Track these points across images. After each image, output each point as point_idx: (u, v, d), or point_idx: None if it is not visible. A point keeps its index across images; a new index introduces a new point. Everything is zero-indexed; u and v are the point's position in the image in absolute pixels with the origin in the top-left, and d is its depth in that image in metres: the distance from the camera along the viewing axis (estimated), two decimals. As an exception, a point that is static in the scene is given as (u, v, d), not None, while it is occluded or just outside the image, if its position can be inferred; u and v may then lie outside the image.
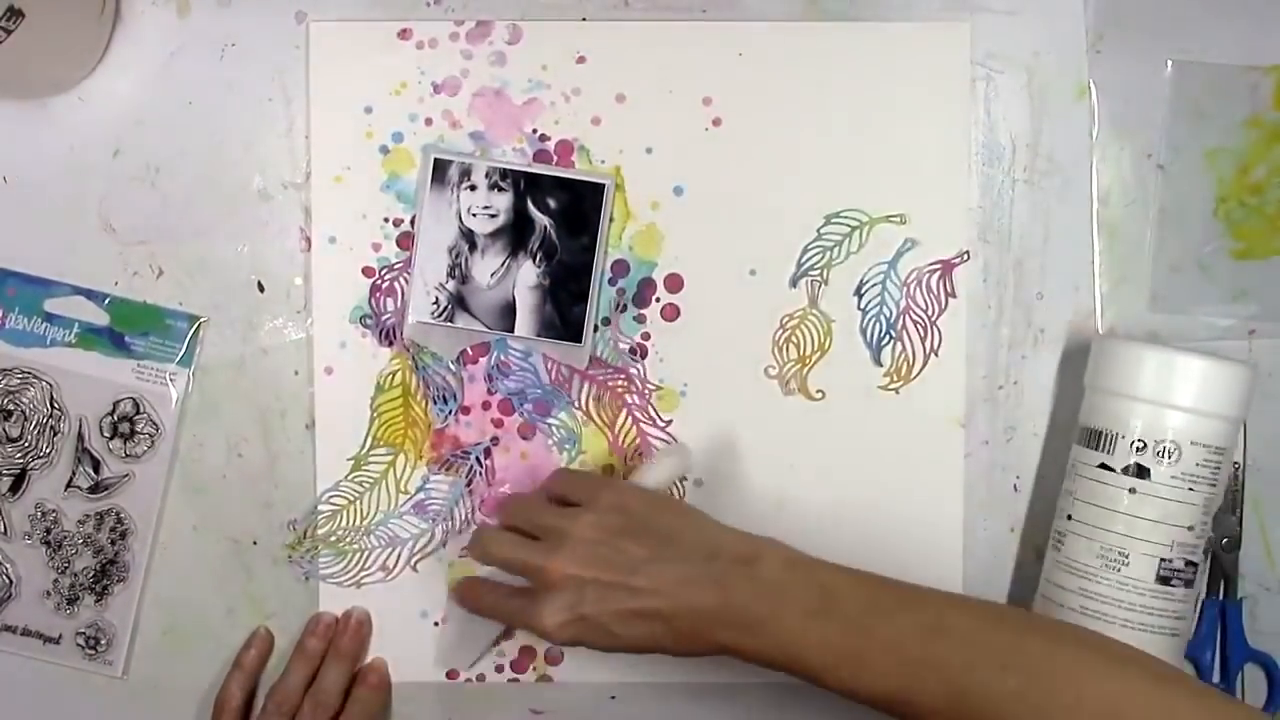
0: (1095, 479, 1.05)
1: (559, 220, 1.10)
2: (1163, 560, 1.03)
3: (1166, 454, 1.03)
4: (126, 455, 1.13)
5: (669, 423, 1.13)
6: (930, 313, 1.12)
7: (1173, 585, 1.03)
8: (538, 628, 0.99)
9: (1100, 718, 0.87)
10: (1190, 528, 1.03)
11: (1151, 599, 1.03)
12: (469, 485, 1.13)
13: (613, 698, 1.15)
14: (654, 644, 0.98)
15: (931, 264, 1.12)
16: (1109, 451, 1.04)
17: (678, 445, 1.13)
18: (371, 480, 1.13)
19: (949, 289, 1.12)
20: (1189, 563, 1.04)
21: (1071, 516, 1.06)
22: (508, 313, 1.10)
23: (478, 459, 1.13)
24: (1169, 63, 1.12)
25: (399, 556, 1.14)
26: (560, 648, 1.14)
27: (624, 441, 1.13)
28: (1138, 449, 1.04)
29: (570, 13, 1.11)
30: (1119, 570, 1.03)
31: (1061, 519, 1.08)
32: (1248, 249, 1.12)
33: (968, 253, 1.12)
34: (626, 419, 1.13)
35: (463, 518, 1.13)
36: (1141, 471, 1.03)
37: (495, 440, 1.13)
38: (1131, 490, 1.03)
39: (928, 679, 0.90)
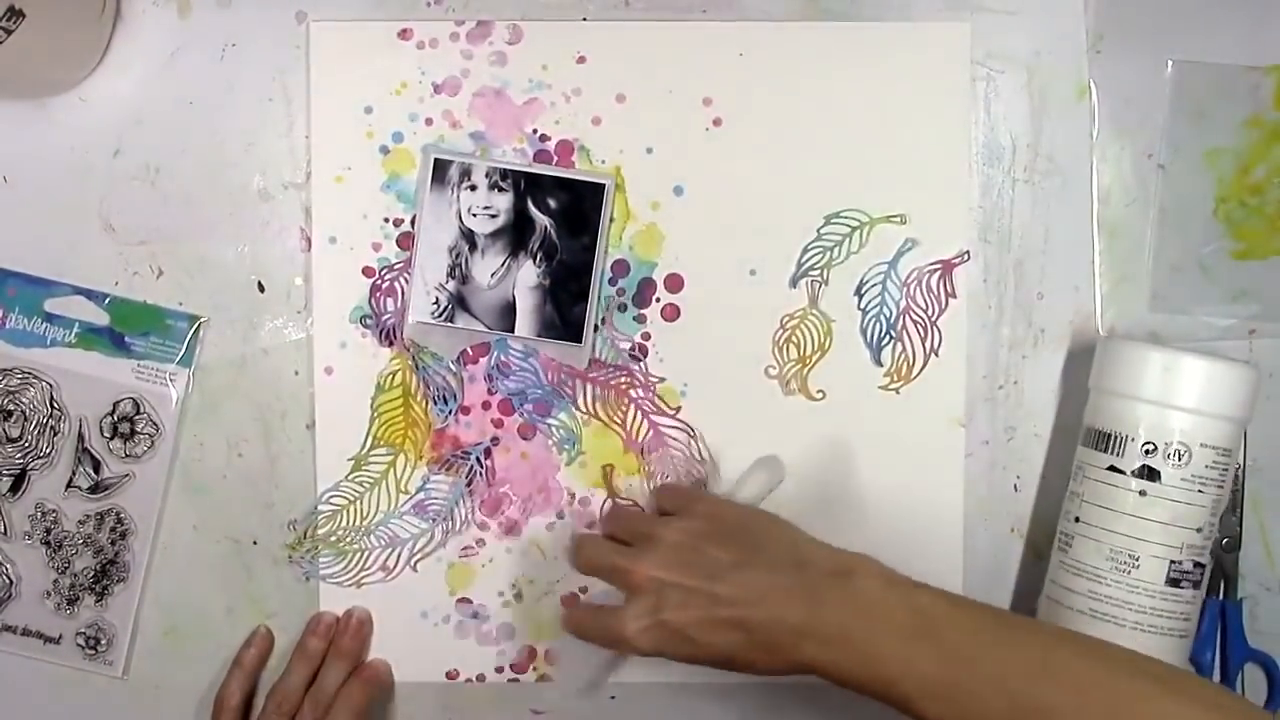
0: (1104, 481, 1.05)
1: (559, 220, 1.10)
2: (1173, 562, 1.03)
3: (1177, 456, 1.03)
4: (126, 455, 1.13)
5: (678, 410, 1.13)
6: (930, 313, 1.12)
7: (1182, 587, 1.03)
8: (619, 635, 0.97)
9: None
10: (1199, 529, 1.03)
11: (1161, 601, 1.03)
12: (469, 485, 1.13)
13: (613, 698, 1.15)
14: (734, 656, 0.96)
15: (932, 264, 1.12)
16: (1118, 454, 1.04)
17: (769, 457, 1.12)
18: (372, 480, 1.13)
19: (949, 289, 1.12)
20: (1197, 564, 1.04)
21: (1079, 519, 1.06)
22: (508, 313, 1.10)
23: (478, 459, 1.13)
24: (1169, 63, 1.12)
25: (399, 556, 1.14)
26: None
27: (637, 436, 1.13)
28: (1147, 451, 1.03)
29: (570, 13, 1.11)
30: (1129, 573, 1.03)
31: (1068, 521, 1.07)
32: (1248, 249, 1.12)
33: (968, 253, 1.12)
34: (635, 414, 1.13)
35: (463, 518, 1.13)
36: (1151, 474, 1.03)
37: (495, 440, 1.13)
38: (1141, 493, 1.03)
39: (1030, 714, 0.87)
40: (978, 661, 0.89)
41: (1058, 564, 1.08)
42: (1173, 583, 1.03)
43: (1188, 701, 0.86)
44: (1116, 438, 1.05)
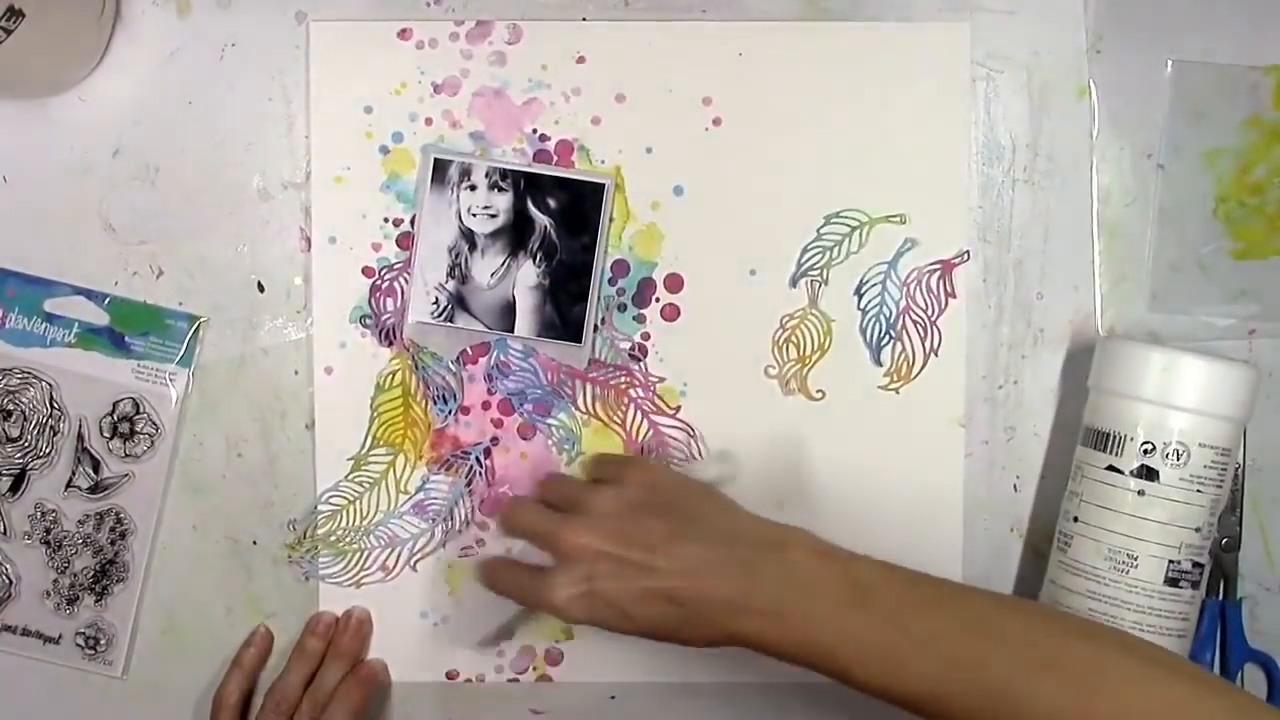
0: (1102, 480, 1.05)
1: (559, 220, 1.10)
2: (1171, 562, 1.03)
3: (1175, 455, 1.03)
4: (126, 455, 1.13)
5: (678, 409, 1.13)
6: (930, 313, 1.12)
7: (1180, 587, 1.03)
8: (548, 602, 0.96)
9: None
10: (1198, 529, 1.04)
11: (1160, 601, 1.03)
12: (469, 485, 1.13)
13: (612, 698, 1.15)
14: (667, 629, 0.95)
15: (931, 264, 1.12)
16: (1117, 453, 1.04)
17: (728, 453, 1.13)
18: (371, 480, 1.13)
19: (949, 289, 1.12)
20: (1196, 564, 1.04)
21: (1078, 518, 1.06)
22: (508, 313, 1.10)
23: (477, 459, 1.13)
24: (1169, 63, 1.12)
25: (399, 556, 1.14)
26: (561, 642, 1.14)
27: (637, 436, 1.13)
28: (1146, 451, 1.03)
29: (570, 12, 1.11)
30: (1127, 572, 1.03)
31: (1067, 520, 1.07)
32: (1247, 249, 1.12)
33: (968, 252, 1.12)
34: (635, 413, 1.13)
35: (462, 518, 1.13)
36: (1150, 473, 1.03)
37: (495, 440, 1.13)
38: (1140, 492, 1.03)
39: (966, 679, 0.88)
40: (912, 624, 0.90)
41: (1056, 563, 1.08)
42: (1171, 582, 1.03)
43: (1117, 651, 0.88)
44: (1115, 437, 1.05)
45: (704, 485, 1.04)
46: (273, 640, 1.15)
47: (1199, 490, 1.03)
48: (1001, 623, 0.90)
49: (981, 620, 0.90)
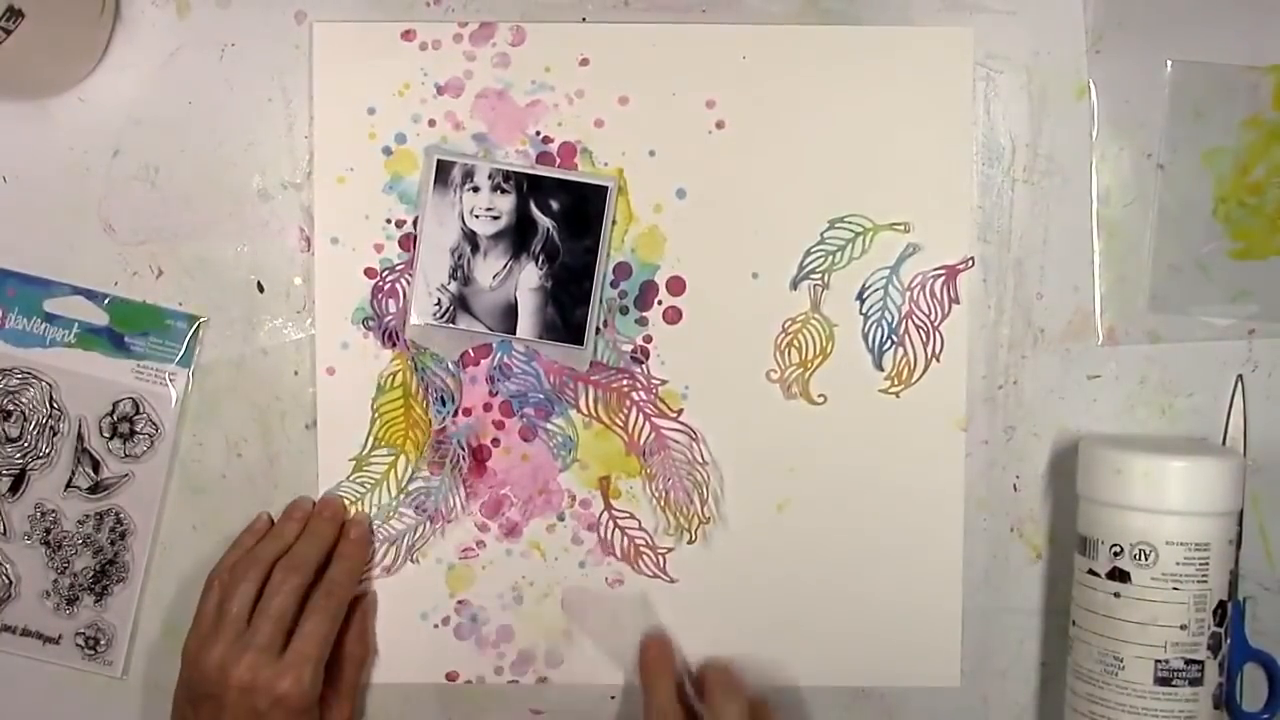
0: (1086, 585, 1.06)
1: (561, 222, 1.10)
2: (1158, 662, 1.03)
3: (1143, 556, 1.03)
4: (126, 455, 1.13)
5: (680, 412, 1.13)
6: (933, 318, 1.12)
7: (1174, 685, 1.03)
8: None
9: None
10: (1183, 626, 1.03)
11: (1153, 701, 1.03)
12: (454, 472, 1.13)
13: (612, 698, 1.15)
14: None
15: (936, 269, 1.12)
16: (1093, 557, 1.05)
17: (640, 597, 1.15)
18: (373, 481, 1.13)
19: (953, 294, 1.12)
20: (1190, 661, 1.03)
21: (1075, 623, 1.08)
22: (509, 315, 1.10)
23: (459, 444, 1.13)
24: (1169, 63, 1.12)
25: (398, 552, 1.14)
26: (561, 645, 1.14)
27: (639, 439, 1.13)
28: (1115, 553, 1.04)
29: (570, 12, 1.11)
30: (1116, 674, 1.04)
31: (1071, 626, 1.08)
32: (1247, 249, 1.12)
33: (972, 259, 1.12)
34: (637, 416, 1.13)
35: (459, 506, 1.13)
36: (1122, 575, 1.03)
37: (496, 441, 1.13)
38: (1116, 594, 1.03)
39: None
40: None
41: (1069, 668, 1.09)
42: (1162, 681, 1.03)
43: None
44: (1090, 542, 1.06)
45: None
46: (272, 524, 1.14)
47: (1175, 588, 1.03)
48: None
49: None
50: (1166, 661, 1.03)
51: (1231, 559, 1.05)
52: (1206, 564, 1.03)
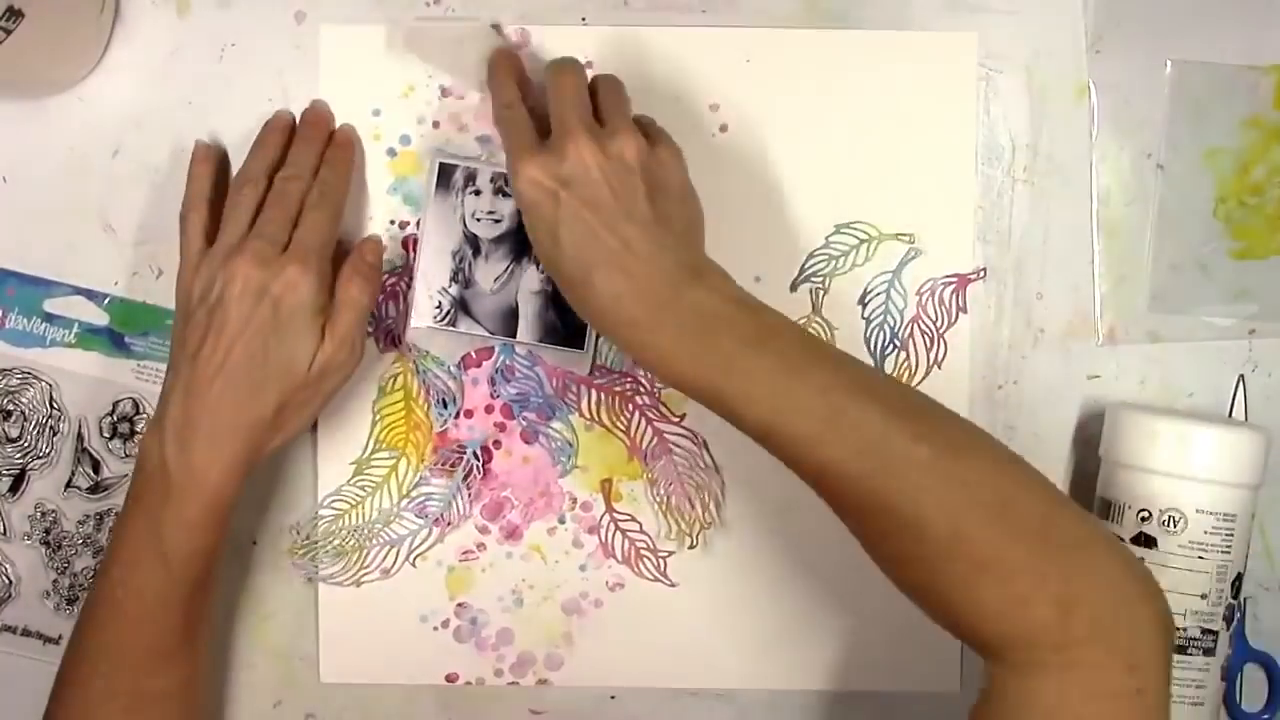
0: None
1: (563, 225, 1.10)
2: (1177, 630, 1.02)
3: (1171, 523, 1.03)
4: (126, 455, 1.13)
5: (683, 417, 1.13)
6: (939, 325, 1.12)
7: (1190, 654, 1.04)
8: (520, 162, 0.97)
9: (995, 501, 0.90)
10: (1204, 596, 1.04)
11: None
12: (466, 479, 1.13)
13: (612, 698, 1.15)
14: (573, 282, 0.97)
15: (947, 276, 1.12)
16: (1118, 522, 1.05)
17: None
18: (374, 484, 1.13)
19: (961, 304, 1.12)
20: (1206, 630, 1.04)
21: None
22: (510, 318, 1.10)
23: (474, 453, 1.13)
24: (1169, 63, 1.12)
25: (398, 554, 1.14)
26: (560, 648, 1.14)
27: (641, 443, 1.13)
28: (1143, 518, 1.04)
29: (570, 13, 1.11)
30: None
31: None
32: (1247, 249, 1.12)
33: (984, 270, 1.12)
34: (640, 420, 1.13)
35: (460, 512, 1.13)
36: (1149, 541, 1.04)
37: (497, 444, 1.13)
38: (1141, 560, 1.03)
39: (845, 429, 0.91)
40: (810, 372, 0.93)
41: None
42: (1179, 650, 1.03)
43: (981, 437, 0.96)
44: (1116, 506, 1.06)
45: (698, 201, 1.04)
46: (223, 153, 1.12)
47: (1201, 557, 1.03)
48: (886, 389, 0.96)
49: (870, 383, 0.95)
50: (1184, 630, 1.04)
51: (1250, 532, 1.07)
52: (1232, 534, 1.04)
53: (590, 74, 1.05)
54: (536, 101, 1.04)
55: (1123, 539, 1.04)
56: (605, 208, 0.96)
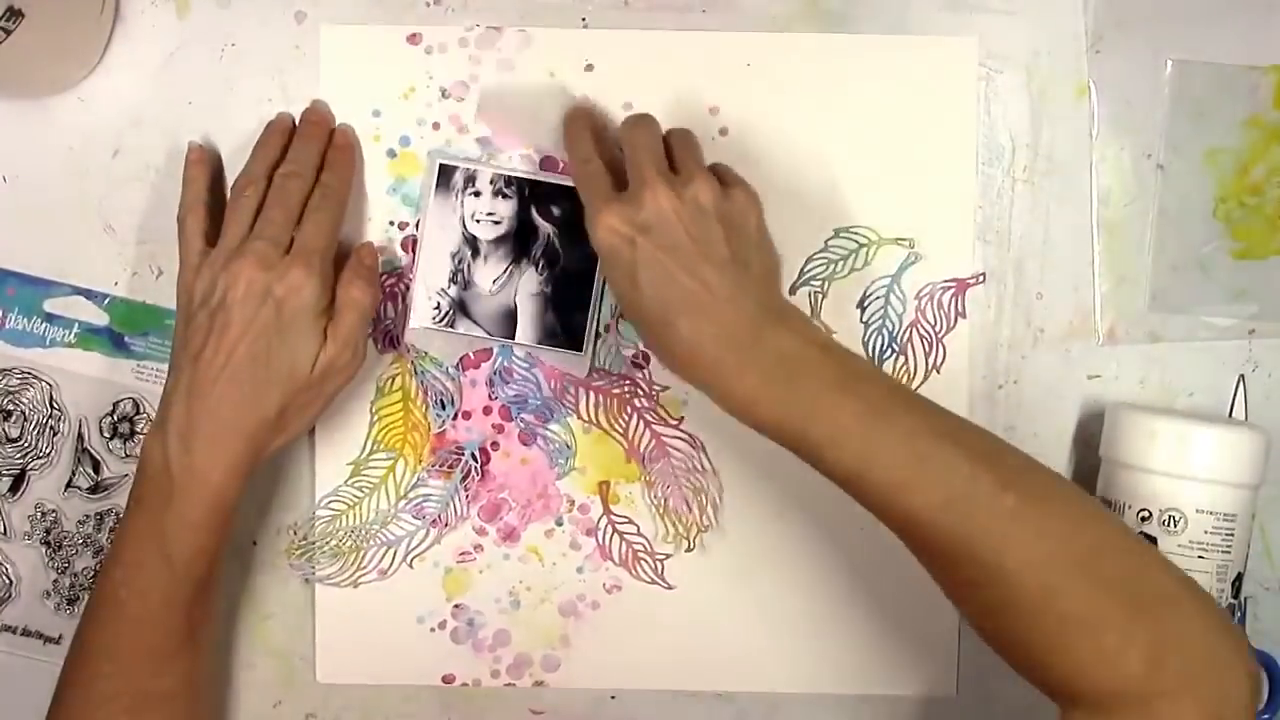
0: None
1: (562, 228, 1.10)
2: None
3: (1170, 522, 1.03)
4: (126, 455, 1.13)
5: (680, 420, 1.13)
6: (938, 329, 1.12)
7: None
8: (599, 211, 0.98)
9: (1084, 552, 0.89)
10: None
11: None
12: (464, 481, 1.13)
13: (612, 698, 1.15)
14: (653, 322, 0.97)
15: (946, 281, 1.12)
16: None
17: None
18: (371, 485, 1.13)
19: (960, 309, 1.12)
20: None
21: None
22: (509, 319, 1.10)
23: (473, 455, 1.13)
24: (1169, 63, 1.12)
25: (395, 555, 1.14)
26: (557, 649, 1.14)
27: (639, 445, 1.13)
28: (1143, 518, 1.04)
29: (570, 13, 1.11)
30: None
31: None
32: (1247, 249, 1.12)
33: (983, 275, 1.12)
34: (638, 423, 1.13)
35: (458, 514, 1.13)
36: (1149, 541, 1.04)
37: (495, 445, 1.13)
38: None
39: (931, 476, 0.91)
40: (896, 416, 0.93)
41: None
42: None
43: (1068, 487, 0.96)
44: (1115, 505, 1.06)
45: (769, 236, 1.04)
46: (217, 155, 1.13)
47: (1201, 557, 1.03)
48: (970, 436, 0.94)
49: (954, 430, 0.94)
50: None
51: (1250, 532, 1.07)
52: (1232, 535, 1.04)
53: (663, 127, 1.06)
54: (614, 157, 1.05)
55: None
56: (683, 251, 0.96)
